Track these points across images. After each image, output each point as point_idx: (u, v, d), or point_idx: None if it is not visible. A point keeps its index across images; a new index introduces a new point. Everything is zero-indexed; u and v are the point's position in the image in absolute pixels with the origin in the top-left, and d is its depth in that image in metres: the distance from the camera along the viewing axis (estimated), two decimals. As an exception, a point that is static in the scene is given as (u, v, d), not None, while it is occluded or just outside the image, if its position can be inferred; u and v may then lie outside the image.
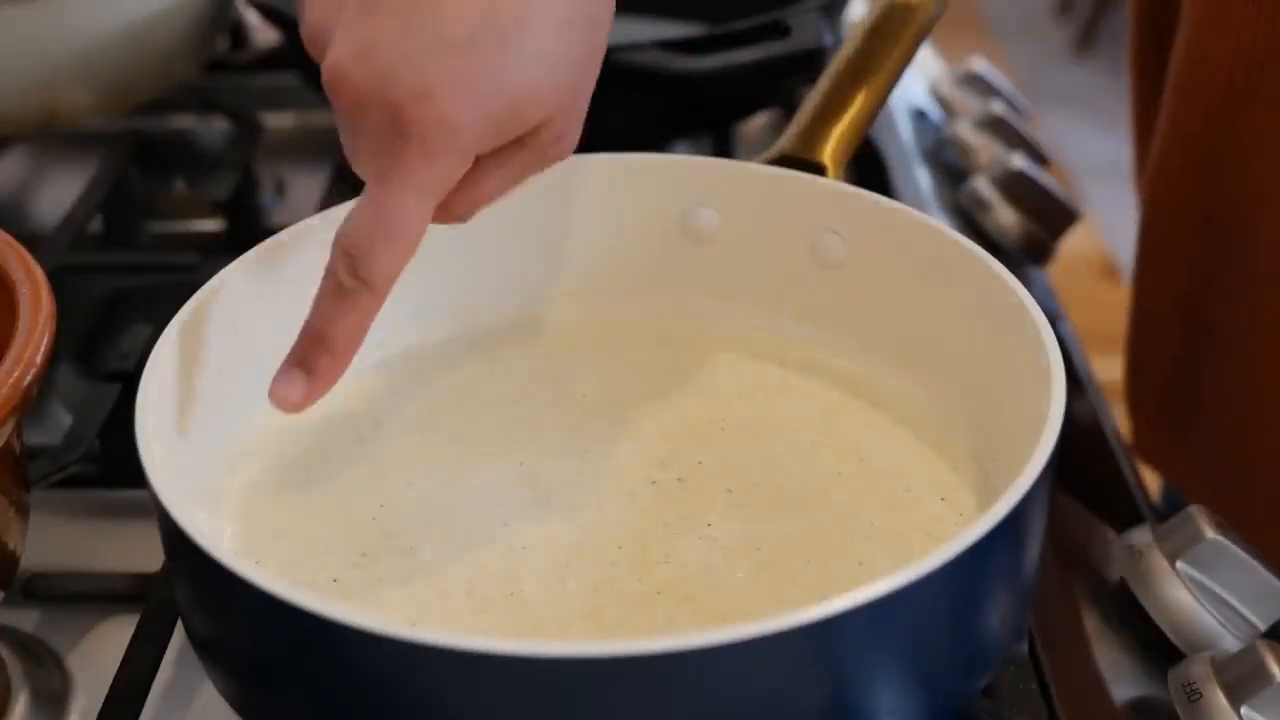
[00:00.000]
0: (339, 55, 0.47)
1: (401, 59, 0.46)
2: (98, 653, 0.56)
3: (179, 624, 0.52)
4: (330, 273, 0.49)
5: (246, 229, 0.83)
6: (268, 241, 0.56)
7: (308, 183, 0.90)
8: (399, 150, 0.46)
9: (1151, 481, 0.73)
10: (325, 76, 0.48)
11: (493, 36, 0.46)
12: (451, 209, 0.50)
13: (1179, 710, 0.52)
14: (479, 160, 0.49)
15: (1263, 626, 0.56)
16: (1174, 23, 0.71)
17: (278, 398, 0.49)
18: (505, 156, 0.49)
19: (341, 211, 0.58)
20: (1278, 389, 0.70)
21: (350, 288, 0.48)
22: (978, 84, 1.00)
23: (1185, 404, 0.76)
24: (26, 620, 0.58)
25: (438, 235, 0.60)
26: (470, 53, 0.46)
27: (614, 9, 0.50)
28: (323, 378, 0.49)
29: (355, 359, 0.59)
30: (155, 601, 0.55)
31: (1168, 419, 0.78)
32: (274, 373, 0.57)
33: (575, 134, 0.51)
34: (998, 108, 0.94)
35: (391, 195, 0.47)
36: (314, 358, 0.49)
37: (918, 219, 0.57)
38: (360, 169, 0.49)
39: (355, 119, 0.47)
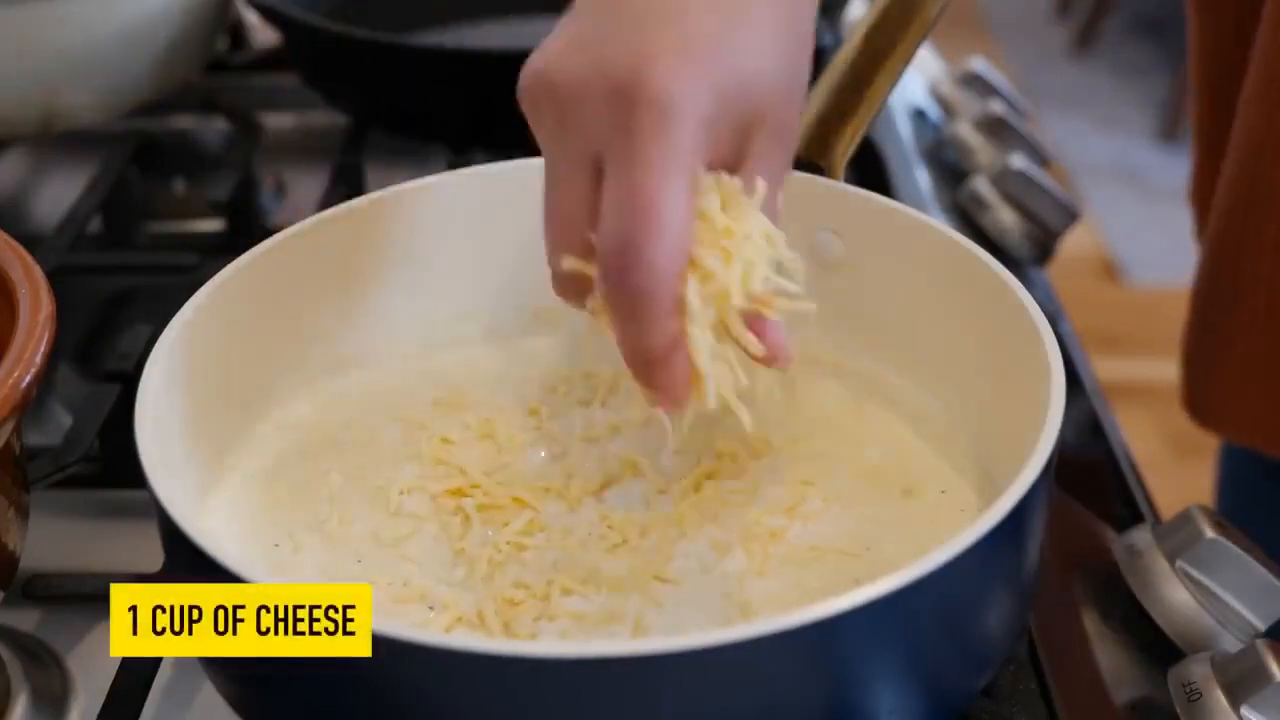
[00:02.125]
0: (542, 57, 0.44)
1: (614, 37, 0.43)
2: (98, 653, 0.56)
3: (179, 624, 0.52)
4: (606, 291, 0.43)
5: (246, 229, 0.83)
6: (267, 242, 0.56)
7: (308, 183, 0.90)
8: (631, 125, 0.42)
9: (1154, 484, 0.73)
10: (527, 82, 0.44)
11: (708, 9, 0.44)
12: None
13: (1179, 710, 0.52)
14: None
15: (1262, 626, 0.56)
16: (1246, 41, 0.70)
17: (664, 409, 0.46)
18: (745, 162, 0.46)
19: (341, 210, 0.58)
20: None
21: (631, 298, 0.42)
22: (977, 84, 1.00)
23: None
24: (26, 620, 0.57)
25: (443, 239, 0.60)
26: (687, 20, 0.43)
27: (814, 24, 0.48)
28: (676, 391, 0.44)
29: (355, 358, 0.60)
30: (155, 601, 0.55)
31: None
32: (274, 371, 0.58)
33: (795, 136, 0.48)
34: (997, 108, 0.94)
35: (637, 174, 0.42)
36: (651, 382, 0.44)
37: (918, 219, 0.57)
38: (577, 173, 0.44)
39: (571, 113, 0.43)
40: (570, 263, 0.45)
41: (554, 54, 0.45)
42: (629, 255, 0.42)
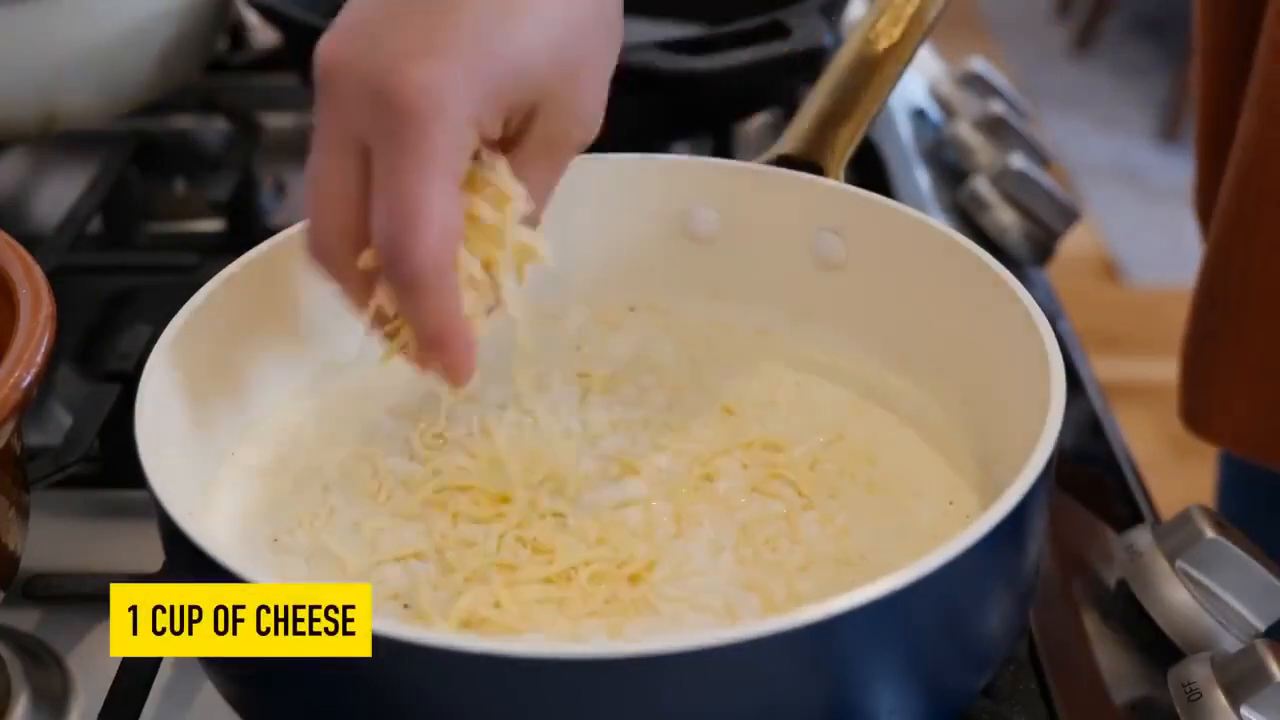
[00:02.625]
0: (329, 33, 0.46)
1: (387, 27, 0.45)
2: (98, 653, 0.56)
3: (179, 624, 0.52)
4: (386, 279, 0.47)
5: (246, 229, 0.83)
6: (267, 242, 0.56)
7: (307, 183, 0.90)
8: (392, 129, 0.44)
9: (1154, 484, 0.73)
10: (315, 55, 0.46)
11: None
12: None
13: (1179, 710, 0.52)
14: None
15: (1262, 626, 0.56)
16: (1252, 40, 0.70)
17: (445, 380, 0.49)
18: (524, 149, 0.48)
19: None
20: None
21: (406, 289, 0.45)
22: (978, 84, 1.00)
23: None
24: (26, 620, 0.58)
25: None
26: (450, 13, 0.44)
27: None
28: (456, 370, 0.48)
29: (355, 357, 0.60)
30: (155, 602, 0.55)
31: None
32: (274, 371, 0.58)
33: (593, 112, 0.49)
34: (997, 108, 0.94)
35: (396, 180, 0.44)
36: (436, 360, 0.48)
37: (918, 219, 0.57)
38: (346, 157, 0.46)
39: (339, 101, 0.45)
40: (365, 260, 0.48)
41: (334, 33, 0.46)
42: (398, 253, 0.45)
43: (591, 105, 0.49)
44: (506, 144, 0.48)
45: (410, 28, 0.45)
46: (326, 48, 0.46)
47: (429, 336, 0.47)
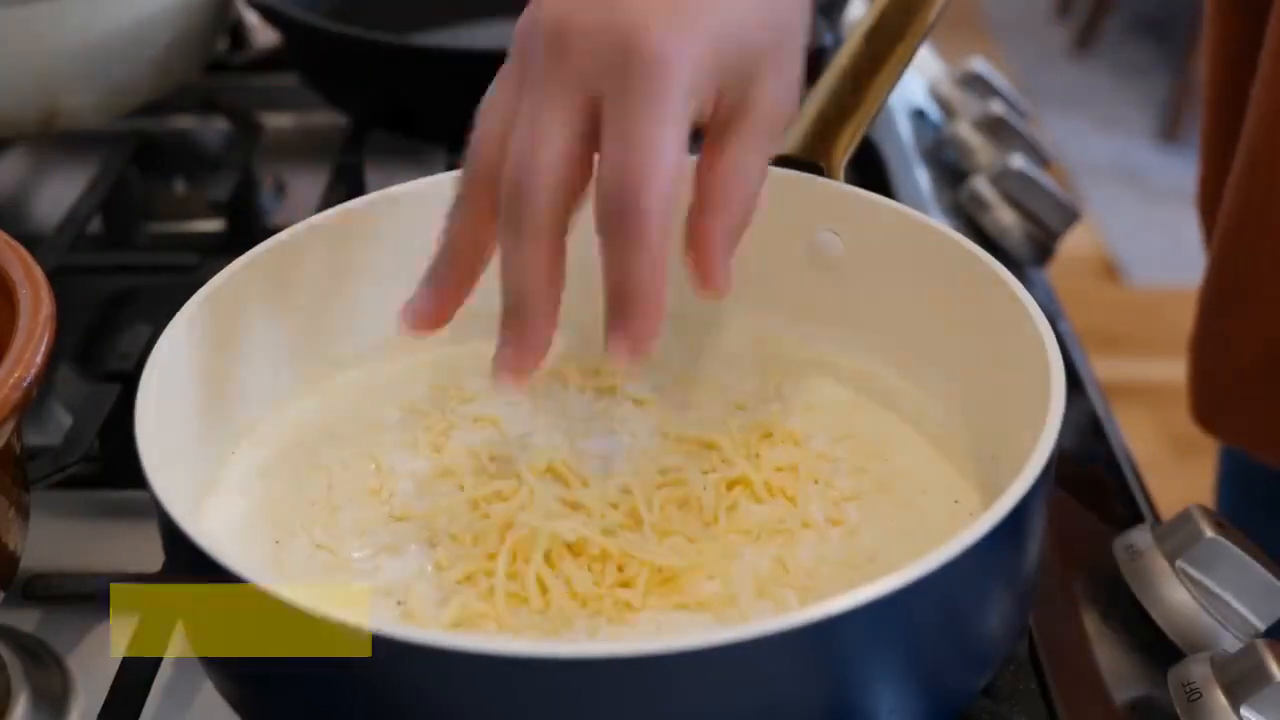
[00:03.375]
0: (550, 6, 0.49)
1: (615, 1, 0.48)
2: (98, 653, 0.56)
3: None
4: (603, 225, 0.47)
5: (246, 229, 0.84)
6: (267, 242, 0.56)
7: (307, 183, 0.90)
8: (633, 77, 0.46)
9: (1154, 484, 0.73)
10: (531, 22, 0.49)
11: None
12: (708, 214, 0.50)
13: (1179, 710, 0.52)
14: (712, 140, 0.50)
15: (1262, 626, 0.56)
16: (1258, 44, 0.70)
17: (615, 358, 0.48)
18: (735, 128, 0.50)
19: (340, 211, 0.58)
20: None
21: (628, 232, 0.46)
22: (977, 84, 1.00)
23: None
24: (26, 620, 0.58)
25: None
26: None
27: None
28: (643, 335, 0.48)
29: (356, 357, 0.60)
30: (155, 601, 0.55)
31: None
32: (274, 370, 0.58)
33: (793, 95, 0.52)
34: (997, 108, 0.94)
35: (634, 124, 0.46)
36: (625, 319, 0.48)
37: (917, 219, 0.57)
38: (570, 116, 0.48)
39: (577, 51, 0.47)
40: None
41: (563, 5, 0.49)
42: (630, 197, 0.46)
43: (795, 77, 0.52)
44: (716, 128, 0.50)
45: (637, 3, 0.47)
46: (557, 8, 0.48)
47: (637, 293, 0.47)
